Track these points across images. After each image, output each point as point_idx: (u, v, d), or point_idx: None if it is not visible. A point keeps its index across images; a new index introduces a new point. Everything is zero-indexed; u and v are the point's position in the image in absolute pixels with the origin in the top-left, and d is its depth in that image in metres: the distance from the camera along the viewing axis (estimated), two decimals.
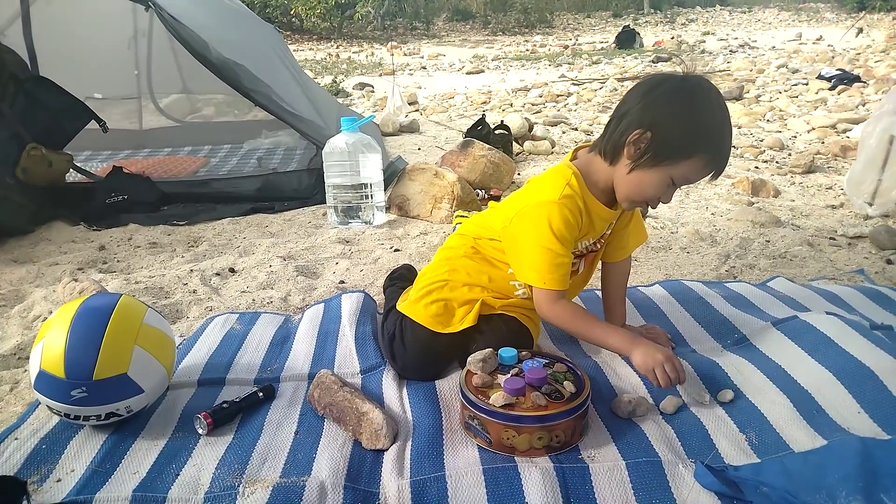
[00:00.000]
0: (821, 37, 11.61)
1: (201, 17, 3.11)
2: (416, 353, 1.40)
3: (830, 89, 5.62)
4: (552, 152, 3.84)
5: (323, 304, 1.80)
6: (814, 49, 9.62)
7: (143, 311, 1.32)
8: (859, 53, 8.40)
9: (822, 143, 3.80)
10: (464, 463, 1.13)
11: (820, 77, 6.06)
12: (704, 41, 12.10)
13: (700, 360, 1.45)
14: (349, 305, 1.72)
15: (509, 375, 1.24)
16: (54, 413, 1.23)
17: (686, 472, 1.09)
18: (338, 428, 1.25)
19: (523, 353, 1.32)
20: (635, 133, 1.27)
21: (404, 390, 1.36)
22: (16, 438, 1.22)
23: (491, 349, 1.29)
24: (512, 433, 1.14)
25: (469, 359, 1.27)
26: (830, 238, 2.30)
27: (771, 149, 3.71)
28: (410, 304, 1.46)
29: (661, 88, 1.27)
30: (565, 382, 1.22)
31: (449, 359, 1.43)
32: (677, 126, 1.25)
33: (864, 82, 5.80)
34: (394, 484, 1.09)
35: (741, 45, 10.96)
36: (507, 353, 1.29)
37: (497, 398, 1.17)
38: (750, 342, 1.52)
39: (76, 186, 2.93)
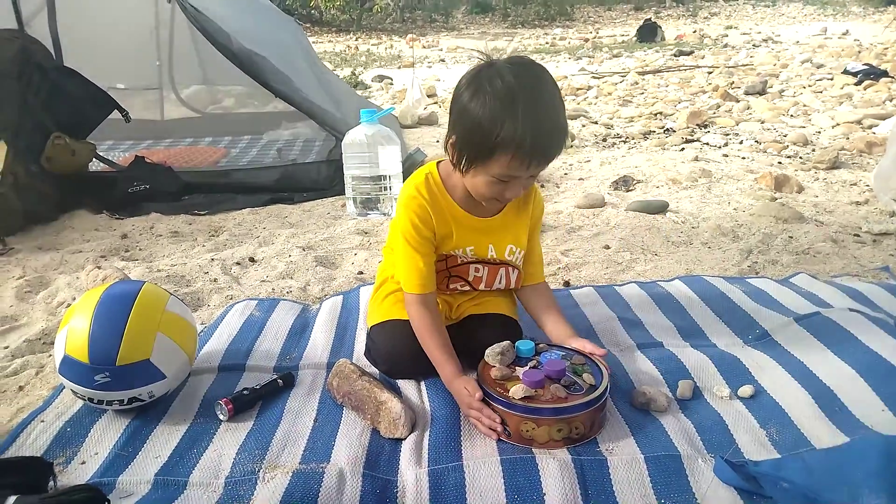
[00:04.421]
0: (847, 31, 11.40)
1: (223, 9, 3.13)
2: (389, 347, 1.38)
3: (856, 84, 5.52)
4: (572, 145, 3.82)
5: (341, 296, 1.81)
6: (839, 43, 9.45)
7: (166, 299, 1.33)
8: (887, 48, 8.23)
9: (847, 138, 3.74)
10: (481, 453, 1.13)
11: (846, 72, 5.95)
12: (727, 35, 11.93)
13: (721, 354, 1.43)
14: (368, 298, 1.72)
15: (527, 368, 1.23)
16: (78, 397, 1.26)
17: (705, 467, 1.09)
18: (356, 416, 1.26)
19: (540, 345, 1.32)
20: (448, 138, 1.25)
21: (423, 381, 1.37)
22: (42, 421, 1.25)
23: (508, 342, 1.28)
24: (531, 425, 1.14)
25: (487, 351, 1.27)
26: (855, 235, 2.26)
27: (794, 144, 3.66)
28: (371, 314, 1.49)
29: (458, 87, 1.23)
30: (584, 374, 1.22)
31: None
32: (466, 129, 1.20)
33: (892, 77, 5.69)
34: (412, 472, 1.09)
35: (764, 40, 10.79)
36: (525, 345, 1.29)
37: (517, 390, 1.16)
38: (771, 338, 1.50)
39: (99, 175, 2.97)
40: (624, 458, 1.11)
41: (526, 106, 1.14)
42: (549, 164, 1.24)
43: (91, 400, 1.23)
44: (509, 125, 1.14)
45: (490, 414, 1.17)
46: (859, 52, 8.03)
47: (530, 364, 1.25)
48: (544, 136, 1.17)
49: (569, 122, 4.38)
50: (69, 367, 1.22)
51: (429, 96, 5.77)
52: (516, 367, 1.25)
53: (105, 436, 1.21)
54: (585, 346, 1.31)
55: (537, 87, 1.17)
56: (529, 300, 1.48)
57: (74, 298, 1.86)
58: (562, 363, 1.23)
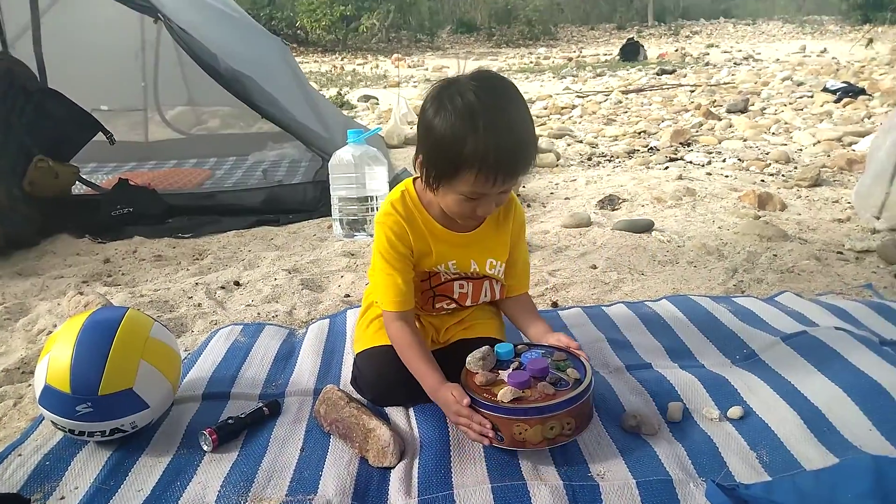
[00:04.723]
0: (825, 49, 11.63)
1: (209, 29, 3.13)
2: (375, 375, 1.36)
3: (836, 102, 5.61)
4: (557, 164, 3.84)
5: (328, 319, 1.80)
6: (818, 61, 9.63)
7: (150, 325, 1.31)
8: (864, 66, 8.40)
9: (828, 156, 3.80)
10: (472, 481, 1.12)
11: (825, 90, 6.06)
12: (708, 53, 12.13)
13: (709, 375, 1.43)
14: (354, 321, 1.71)
15: (511, 370, 1.23)
16: (58, 429, 1.23)
17: (697, 491, 1.08)
18: (344, 445, 1.24)
19: (519, 346, 1.32)
20: (416, 157, 1.26)
21: (410, 407, 1.35)
22: (19, 455, 1.22)
23: (488, 346, 1.27)
24: (524, 427, 1.13)
25: (468, 358, 1.26)
26: (838, 252, 2.29)
27: (777, 162, 3.71)
28: (357, 341, 1.48)
29: (423, 105, 1.23)
30: (567, 370, 1.22)
31: (408, 373, 1.31)
32: (430, 147, 1.21)
33: (870, 95, 5.79)
34: (402, 503, 1.08)
35: (745, 58, 10.98)
36: (503, 348, 1.28)
37: (505, 394, 1.15)
38: (759, 357, 1.50)
39: (82, 199, 2.94)
40: (616, 483, 1.10)
41: (487, 122, 1.13)
42: (516, 180, 1.22)
43: (72, 431, 1.20)
44: (471, 142, 1.13)
45: (480, 420, 1.16)
46: (837, 69, 8.18)
47: (512, 366, 1.24)
48: (508, 152, 1.15)
49: (554, 140, 4.39)
50: (50, 397, 1.19)
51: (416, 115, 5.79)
52: (499, 371, 1.24)
53: (86, 469, 1.18)
54: (561, 339, 1.31)
55: (499, 102, 1.17)
56: (509, 308, 1.49)
57: (55, 326, 1.83)
58: (544, 361, 1.23)
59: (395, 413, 1.33)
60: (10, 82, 2.60)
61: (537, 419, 1.13)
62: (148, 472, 1.17)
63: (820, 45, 12.45)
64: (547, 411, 1.13)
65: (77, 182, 2.90)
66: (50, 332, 1.79)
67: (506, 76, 1.26)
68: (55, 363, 1.20)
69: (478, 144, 1.13)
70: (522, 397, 1.15)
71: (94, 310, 1.37)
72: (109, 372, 1.19)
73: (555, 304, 1.92)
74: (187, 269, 2.30)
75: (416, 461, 1.18)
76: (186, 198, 3.04)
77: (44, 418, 1.27)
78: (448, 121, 1.16)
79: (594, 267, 2.21)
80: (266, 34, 4.34)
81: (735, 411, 1.29)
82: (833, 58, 10.07)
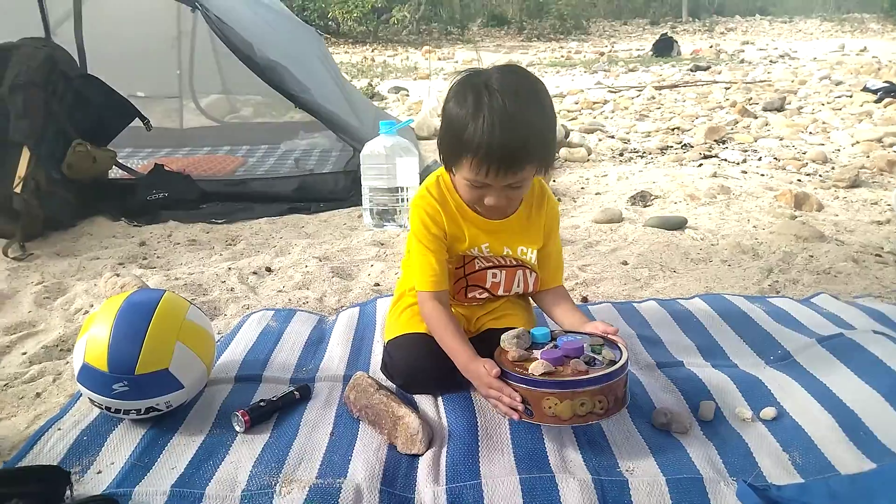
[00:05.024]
0: (865, 48, 11.31)
1: (246, 19, 3.16)
2: (406, 361, 1.37)
3: (876, 102, 5.47)
4: (588, 159, 3.81)
5: (358, 307, 1.81)
6: (858, 60, 9.38)
7: (186, 308, 1.34)
8: None
9: (868, 156, 3.70)
10: (500, 471, 1.12)
11: (865, 89, 5.90)
12: (743, 50, 11.88)
13: (742, 375, 1.41)
14: (385, 310, 1.72)
15: (544, 349, 1.23)
16: (95, 405, 1.26)
17: (728, 491, 1.07)
18: (373, 431, 1.25)
19: (556, 331, 1.31)
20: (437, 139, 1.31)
21: (440, 396, 1.35)
22: (59, 429, 1.25)
23: (523, 328, 1.28)
24: (554, 401, 1.13)
25: (503, 336, 1.26)
26: (876, 255, 2.23)
27: (814, 161, 3.63)
28: (388, 328, 1.49)
29: (448, 91, 1.28)
30: (603, 351, 1.22)
31: (439, 360, 1.32)
32: (442, 130, 1.28)
33: None
34: (429, 490, 1.08)
35: (781, 56, 10.74)
36: (540, 331, 1.28)
37: (536, 367, 1.15)
38: (793, 359, 1.48)
39: (118, 183, 2.99)
40: (645, 479, 1.09)
41: (490, 112, 1.16)
42: (515, 175, 1.21)
43: (108, 409, 1.23)
44: (470, 129, 1.17)
45: (510, 392, 1.16)
46: (878, 69, 7.95)
47: (547, 346, 1.24)
48: (502, 145, 1.16)
49: (585, 135, 4.32)
50: (88, 375, 1.22)
51: None
52: (533, 351, 1.24)
53: (121, 445, 1.21)
54: (598, 326, 1.31)
55: (511, 96, 1.18)
56: (544, 300, 1.49)
57: (92, 305, 1.87)
58: (580, 342, 1.23)
59: (424, 401, 1.33)
60: (52, 68, 2.65)
61: (567, 393, 1.12)
62: (182, 450, 1.20)
63: (860, 44, 12.12)
64: (577, 386, 1.12)
65: (114, 166, 2.95)
66: (87, 312, 1.83)
67: (535, 71, 1.28)
68: (93, 342, 1.22)
69: (475, 132, 1.17)
70: (554, 372, 1.15)
71: (131, 291, 1.40)
72: (146, 352, 1.21)
73: (585, 300, 1.91)
74: (220, 254, 2.33)
75: (445, 449, 1.18)
76: (220, 184, 3.08)
77: (81, 395, 1.30)
78: (458, 107, 1.21)
79: (625, 263, 2.19)
80: (301, 24, 4.36)
81: (768, 412, 1.28)
82: (874, 56, 9.80)
